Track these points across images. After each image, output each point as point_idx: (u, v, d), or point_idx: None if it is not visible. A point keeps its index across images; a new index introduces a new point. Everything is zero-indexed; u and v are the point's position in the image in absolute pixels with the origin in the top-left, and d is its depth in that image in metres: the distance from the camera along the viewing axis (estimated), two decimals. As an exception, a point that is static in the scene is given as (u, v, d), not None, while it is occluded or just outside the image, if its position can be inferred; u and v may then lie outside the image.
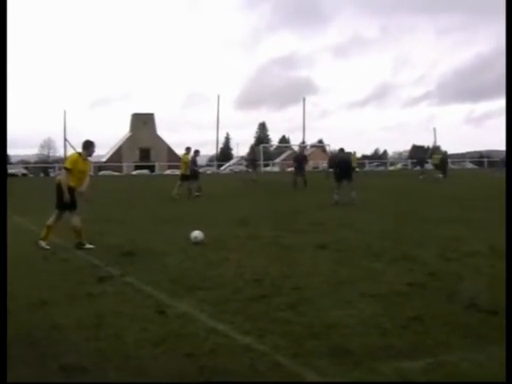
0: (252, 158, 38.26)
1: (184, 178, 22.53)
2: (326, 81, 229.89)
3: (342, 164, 18.79)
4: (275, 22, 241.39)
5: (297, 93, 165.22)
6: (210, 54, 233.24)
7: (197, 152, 23.28)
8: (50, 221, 9.80)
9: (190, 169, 22.50)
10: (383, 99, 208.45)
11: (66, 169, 9.84)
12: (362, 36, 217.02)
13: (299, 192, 24.82)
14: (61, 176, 10.00)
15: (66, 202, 9.60)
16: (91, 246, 9.66)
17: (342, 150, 19.88)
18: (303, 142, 79.85)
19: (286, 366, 4.17)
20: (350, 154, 19.99)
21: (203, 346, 4.63)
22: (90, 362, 4.30)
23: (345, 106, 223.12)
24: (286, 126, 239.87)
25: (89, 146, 10.07)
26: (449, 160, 36.25)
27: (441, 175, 31.87)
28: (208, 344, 4.66)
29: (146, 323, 5.25)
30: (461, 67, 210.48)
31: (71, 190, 9.68)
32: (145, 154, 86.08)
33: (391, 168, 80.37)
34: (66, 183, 9.63)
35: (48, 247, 9.52)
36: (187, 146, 23.50)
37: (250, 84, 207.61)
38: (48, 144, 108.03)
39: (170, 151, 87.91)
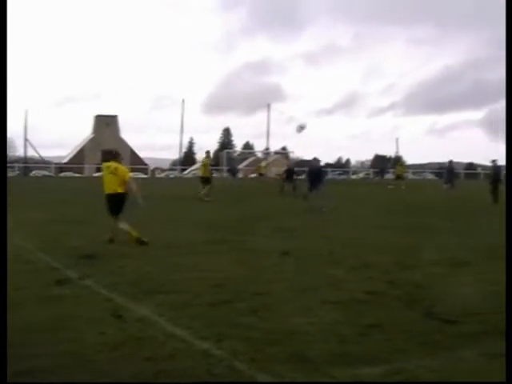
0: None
1: (204, 180, 23.08)
2: (296, 88, 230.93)
3: (313, 172, 19.50)
4: (250, 26, 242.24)
5: (266, 99, 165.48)
6: (181, 55, 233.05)
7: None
8: (126, 227, 10.27)
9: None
10: (351, 108, 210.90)
11: (131, 178, 10.65)
12: (335, 44, 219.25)
13: (267, 198, 24.96)
14: (132, 186, 10.48)
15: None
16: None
17: (315, 159, 20.24)
18: (267, 149, 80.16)
19: (243, 371, 4.16)
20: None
21: (161, 350, 4.58)
22: (47, 365, 4.21)
23: (312, 114, 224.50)
24: (253, 132, 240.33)
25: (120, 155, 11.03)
26: (455, 170, 33.92)
27: (445, 185, 30.69)
28: (166, 348, 4.62)
29: (104, 327, 5.17)
30: (428, 79, 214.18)
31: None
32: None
33: (353, 177, 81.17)
34: (139, 190, 10.46)
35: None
36: (206, 150, 25.74)
37: (219, 88, 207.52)
38: (7, 143, 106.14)
39: (133, 154, 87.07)
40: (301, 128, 24.90)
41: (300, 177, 30.95)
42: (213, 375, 4.07)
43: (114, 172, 10.41)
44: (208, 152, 25.02)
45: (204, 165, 23.84)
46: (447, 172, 31.19)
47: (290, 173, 29.33)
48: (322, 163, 22.04)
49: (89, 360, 4.34)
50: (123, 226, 10.27)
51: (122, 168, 10.65)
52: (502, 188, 23.28)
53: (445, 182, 30.19)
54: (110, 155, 10.87)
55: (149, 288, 6.75)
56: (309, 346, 4.71)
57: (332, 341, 4.89)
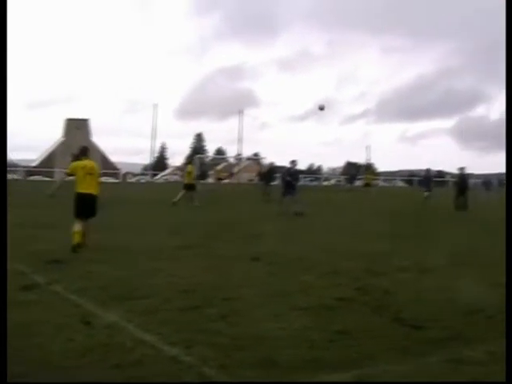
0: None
1: (188, 187, 23.46)
2: (269, 94, 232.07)
3: (290, 174, 19.65)
4: (224, 31, 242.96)
5: (239, 104, 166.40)
6: (155, 60, 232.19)
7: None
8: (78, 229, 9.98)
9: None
10: (324, 114, 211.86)
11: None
12: (309, 51, 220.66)
13: (237, 203, 24.95)
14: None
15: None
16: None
17: (293, 162, 20.24)
18: (239, 155, 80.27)
19: (212, 378, 4.16)
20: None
21: (130, 356, 4.55)
22: (14, 372, 4.14)
23: (286, 120, 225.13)
24: (226, 137, 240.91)
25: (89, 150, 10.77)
26: (433, 178, 33.04)
27: (426, 193, 29.93)
28: (135, 355, 4.59)
29: (73, 333, 5.12)
30: (401, 87, 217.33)
31: None
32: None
33: (325, 183, 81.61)
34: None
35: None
36: (192, 157, 26.13)
37: (193, 93, 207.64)
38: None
39: (104, 158, 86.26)
40: (321, 109, 25.77)
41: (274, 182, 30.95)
42: (182, 382, 4.06)
43: (92, 172, 10.19)
44: (192, 159, 25.60)
45: (189, 172, 24.18)
46: (426, 180, 30.77)
47: (268, 175, 29.37)
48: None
49: (56, 367, 4.29)
50: (76, 227, 9.95)
51: (97, 168, 10.47)
52: (472, 194, 23.81)
53: (425, 190, 29.58)
54: (82, 153, 10.54)
55: (118, 293, 6.70)
56: (278, 352, 4.73)
57: (301, 346, 4.92)
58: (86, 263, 8.65)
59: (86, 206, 10.16)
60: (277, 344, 4.95)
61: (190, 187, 23.40)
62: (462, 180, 25.07)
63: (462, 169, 25.42)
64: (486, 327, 5.74)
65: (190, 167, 24.96)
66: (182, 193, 23.25)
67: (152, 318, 5.67)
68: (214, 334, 5.19)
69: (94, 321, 5.53)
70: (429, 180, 30.74)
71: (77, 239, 9.78)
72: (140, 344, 4.87)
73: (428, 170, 31.22)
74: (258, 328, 5.42)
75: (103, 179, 69.45)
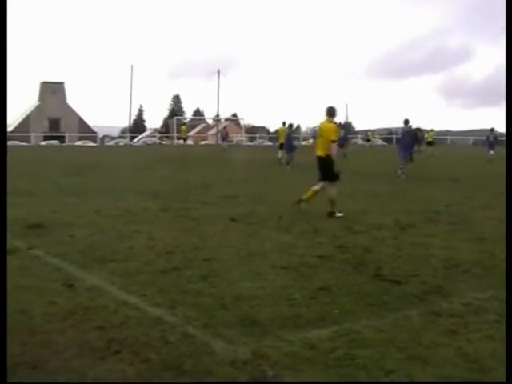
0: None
1: (281, 146, 25.64)
2: (251, 53, 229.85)
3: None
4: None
5: (219, 65, 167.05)
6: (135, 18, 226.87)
7: (291, 126, 26.84)
8: (317, 188, 10.16)
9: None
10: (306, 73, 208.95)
11: (334, 141, 10.06)
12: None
13: (211, 165, 24.87)
14: (332, 150, 10.01)
15: (338, 173, 10.07)
16: (341, 215, 9.89)
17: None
18: (217, 115, 79.70)
19: (196, 337, 4.21)
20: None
21: (113, 318, 4.58)
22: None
23: (265, 80, 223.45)
24: (204, 98, 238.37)
25: (336, 112, 10.45)
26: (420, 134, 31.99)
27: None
28: (118, 317, 4.62)
29: (54, 297, 5.13)
30: (390, 45, 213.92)
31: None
32: (54, 124, 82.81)
33: (304, 143, 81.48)
34: (336, 155, 10.11)
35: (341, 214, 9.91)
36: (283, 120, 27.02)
37: (175, 54, 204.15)
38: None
39: (82, 122, 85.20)
40: None
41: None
42: (167, 342, 4.11)
43: (321, 134, 10.23)
44: (284, 123, 26.64)
45: (281, 132, 26.06)
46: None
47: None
48: (272, 130, 23.75)
49: (38, 331, 4.30)
50: (331, 191, 10.07)
51: (326, 129, 10.23)
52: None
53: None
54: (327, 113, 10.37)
55: (99, 256, 6.71)
56: (258, 310, 4.80)
57: (281, 304, 4.99)
58: (65, 227, 8.62)
59: (319, 169, 10.27)
60: (258, 303, 5.02)
61: (282, 146, 25.11)
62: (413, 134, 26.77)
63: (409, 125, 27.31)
64: (462, 281, 5.86)
65: (283, 129, 26.32)
66: (281, 154, 25.07)
67: (134, 280, 5.70)
68: (196, 294, 5.24)
69: (76, 284, 5.55)
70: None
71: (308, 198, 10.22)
72: (123, 306, 4.90)
73: (492, 130, 31.11)
74: (238, 288, 5.48)
75: (80, 143, 68.31)
